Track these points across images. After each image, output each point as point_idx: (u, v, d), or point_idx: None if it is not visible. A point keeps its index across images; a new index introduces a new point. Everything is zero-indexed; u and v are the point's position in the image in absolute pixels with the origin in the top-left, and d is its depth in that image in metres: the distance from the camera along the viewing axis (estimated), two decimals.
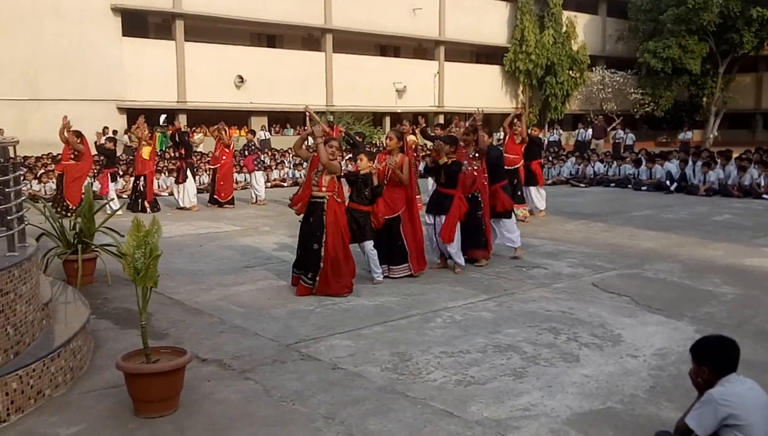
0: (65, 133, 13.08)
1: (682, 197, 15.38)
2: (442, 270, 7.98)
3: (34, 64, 25.32)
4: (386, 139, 7.87)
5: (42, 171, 17.61)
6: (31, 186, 15.93)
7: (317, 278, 6.77)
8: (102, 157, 14.14)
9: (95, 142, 14.69)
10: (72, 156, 13.11)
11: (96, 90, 26.47)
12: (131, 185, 14.83)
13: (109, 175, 13.36)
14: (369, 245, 7.32)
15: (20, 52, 24.96)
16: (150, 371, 4.07)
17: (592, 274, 7.78)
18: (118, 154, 17.04)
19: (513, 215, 8.91)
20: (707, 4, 35.32)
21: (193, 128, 26.93)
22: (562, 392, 4.40)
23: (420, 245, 7.75)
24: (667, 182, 16.47)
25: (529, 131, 12.18)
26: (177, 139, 14.49)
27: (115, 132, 23.33)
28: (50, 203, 11.76)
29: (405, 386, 4.53)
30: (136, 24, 28.16)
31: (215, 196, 14.53)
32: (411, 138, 12.09)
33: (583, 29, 41.04)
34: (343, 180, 7.26)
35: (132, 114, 27.63)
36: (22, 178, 5.20)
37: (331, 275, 6.78)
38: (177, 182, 14.33)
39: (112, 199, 12.95)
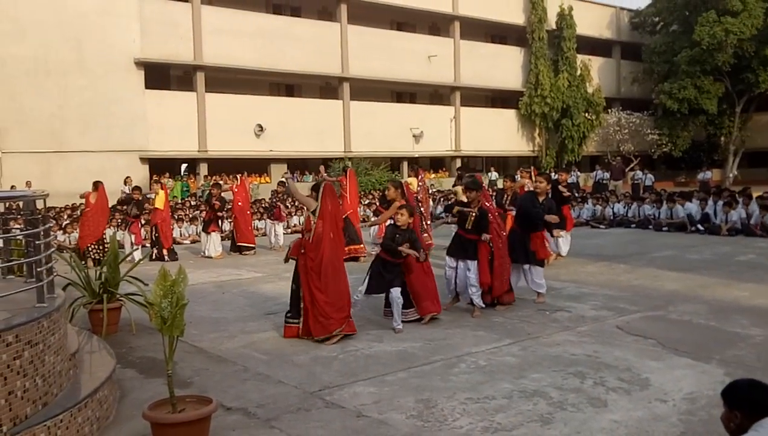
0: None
1: (705, 237, 15.24)
2: (464, 315, 7.94)
3: (59, 117, 26.00)
4: (386, 190, 8.01)
5: (67, 221, 17.88)
6: (56, 237, 16.16)
7: (300, 318, 6.88)
8: (126, 208, 14.41)
9: (122, 192, 15.04)
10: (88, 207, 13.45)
11: (119, 141, 27.05)
12: (150, 236, 15.03)
13: (139, 224, 13.60)
14: (396, 291, 7.23)
15: (46, 106, 25.67)
16: (177, 420, 4.08)
17: (616, 316, 7.70)
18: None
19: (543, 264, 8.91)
20: (721, 45, 35.54)
21: (214, 177, 27.33)
22: None
23: (429, 288, 7.68)
24: (689, 224, 16.32)
25: (556, 177, 12.40)
26: (213, 200, 14.65)
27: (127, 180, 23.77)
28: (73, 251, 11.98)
29: (431, 433, 4.49)
30: (158, 77, 28.88)
31: (238, 243, 14.66)
32: (412, 180, 12.42)
33: (597, 72, 41.43)
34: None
35: (154, 164, 28.17)
36: (50, 230, 5.31)
37: (312, 316, 6.77)
38: (205, 231, 14.44)
39: (136, 249, 13.11)
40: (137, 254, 12.46)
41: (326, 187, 7.00)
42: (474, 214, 7.83)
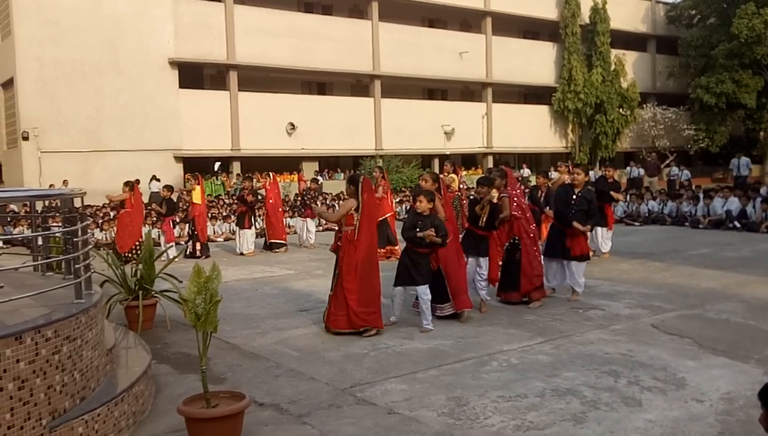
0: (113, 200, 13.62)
1: (743, 235, 14.92)
2: (495, 313, 7.89)
3: (96, 117, 26.50)
4: (421, 180, 7.90)
5: (104, 219, 18.22)
6: (94, 234, 16.47)
7: (325, 311, 7.10)
8: (155, 205, 14.60)
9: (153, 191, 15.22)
10: (122, 207, 13.61)
11: (154, 140, 27.47)
12: (186, 231, 15.21)
13: (171, 222, 13.76)
14: (422, 289, 7.14)
15: (84, 107, 26.19)
16: (211, 415, 4.13)
17: (651, 315, 7.59)
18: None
19: (585, 262, 8.74)
20: (760, 37, 34.73)
21: (247, 174, 27.60)
22: None
23: (464, 282, 7.66)
24: (728, 220, 15.98)
25: (603, 172, 12.43)
26: (246, 193, 14.69)
27: (158, 179, 24.26)
28: (111, 250, 12.17)
29: (462, 431, 4.48)
30: (192, 76, 29.24)
31: (269, 241, 14.75)
32: (452, 177, 12.15)
33: (632, 67, 40.78)
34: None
35: (188, 163, 28.54)
36: (88, 228, 5.41)
37: (335, 307, 6.99)
38: (241, 227, 14.52)
39: (171, 247, 13.27)
40: (172, 252, 12.64)
41: (365, 181, 7.11)
42: (485, 210, 7.77)
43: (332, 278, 7.17)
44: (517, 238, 8.23)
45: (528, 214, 8.45)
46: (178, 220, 17.22)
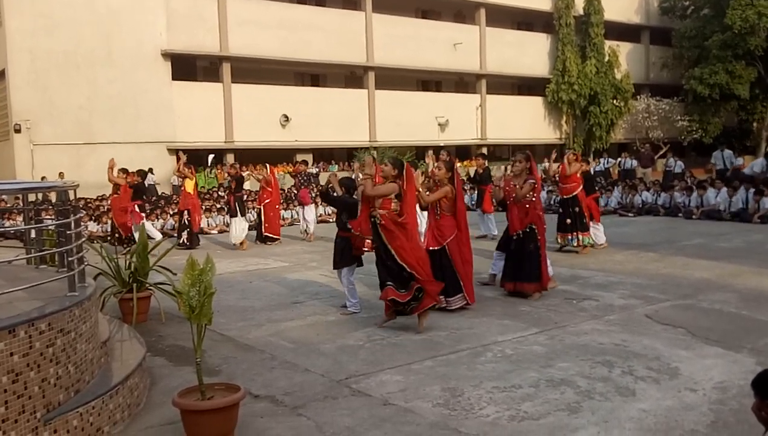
0: (112, 174, 13.58)
1: (736, 225, 14.97)
2: (489, 304, 7.91)
3: (88, 109, 26.40)
4: (436, 169, 7.68)
5: (98, 212, 18.17)
6: (87, 227, 16.41)
7: (423, 293, 6.58)
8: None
9: (148, 184, 15.20)
10: (115, 192, 13.63)
11: (147, 132, 27.37)
12: (178, 222, 15.15)
13: (137, 206, 13.79)
14: (344, 271, 7.54)
15: (76, 99, 26.08)
16: (206, 407, 4.13)
17: (644, 305, 7.62)
18: (161, 191, 17.42)
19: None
20: (754, 28, 34.81)
21: (241, 167, 27.53)
22: (619, 428, 4.30)
23: (469, 275, 7.65)
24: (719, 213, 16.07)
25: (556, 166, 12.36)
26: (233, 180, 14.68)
27: (151, 170, 24.19)
28: (106, 242, 12.15)
29: (458, 421, 4.49)
30: (185, 68, 29.13)
31: (264, 234, 14.68)
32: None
33: (626, 58, 40.83)
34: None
35: None
36: (81, 220, 5.39)
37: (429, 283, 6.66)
38: (232, 217, 14.44)
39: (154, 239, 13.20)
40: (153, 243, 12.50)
41: (409, 170, 6.86)
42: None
43: (397, 269, 6.61)
44: (534, 225, 8.12)
45: (540, 205, 8.35)
46: (171, 212, 17.19)
